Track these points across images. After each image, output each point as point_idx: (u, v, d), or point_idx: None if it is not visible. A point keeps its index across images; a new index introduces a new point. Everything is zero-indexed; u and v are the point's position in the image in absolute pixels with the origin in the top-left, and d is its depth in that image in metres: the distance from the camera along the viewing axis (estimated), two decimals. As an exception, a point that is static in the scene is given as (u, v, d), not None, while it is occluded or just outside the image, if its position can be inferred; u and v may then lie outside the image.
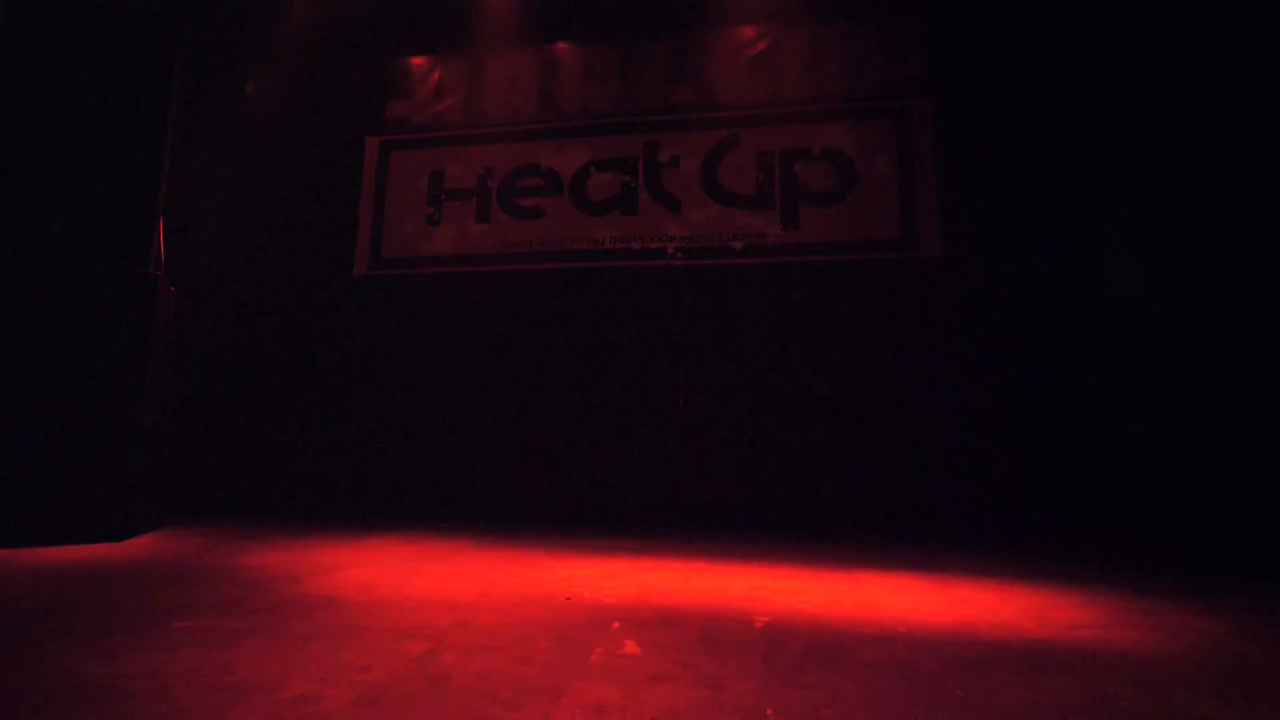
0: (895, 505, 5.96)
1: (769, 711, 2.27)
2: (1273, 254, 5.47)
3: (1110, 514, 5.57)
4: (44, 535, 5.18)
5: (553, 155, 7.26)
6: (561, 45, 7.44)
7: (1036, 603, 3.80)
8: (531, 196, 7.20)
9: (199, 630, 3.03)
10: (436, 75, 7.61)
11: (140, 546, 5.14)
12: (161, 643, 2.85)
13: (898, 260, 6.38)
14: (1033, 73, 6.28)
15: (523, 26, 7.42)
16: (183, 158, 6.91)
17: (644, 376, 6.63)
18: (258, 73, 7.54)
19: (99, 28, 5.96)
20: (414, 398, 6.97)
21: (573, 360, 6.78)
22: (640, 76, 7.25)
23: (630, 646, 2.91)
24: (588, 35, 7.38)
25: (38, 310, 5.56)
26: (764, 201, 6.75)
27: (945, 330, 6.15)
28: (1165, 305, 5.75)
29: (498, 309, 7.01)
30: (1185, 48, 5.90)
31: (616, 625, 3.23)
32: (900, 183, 6.52)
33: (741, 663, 2.73)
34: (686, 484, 6.38)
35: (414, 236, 7.34)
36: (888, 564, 4.77)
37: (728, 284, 6.67)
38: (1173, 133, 5.88)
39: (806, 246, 6.58)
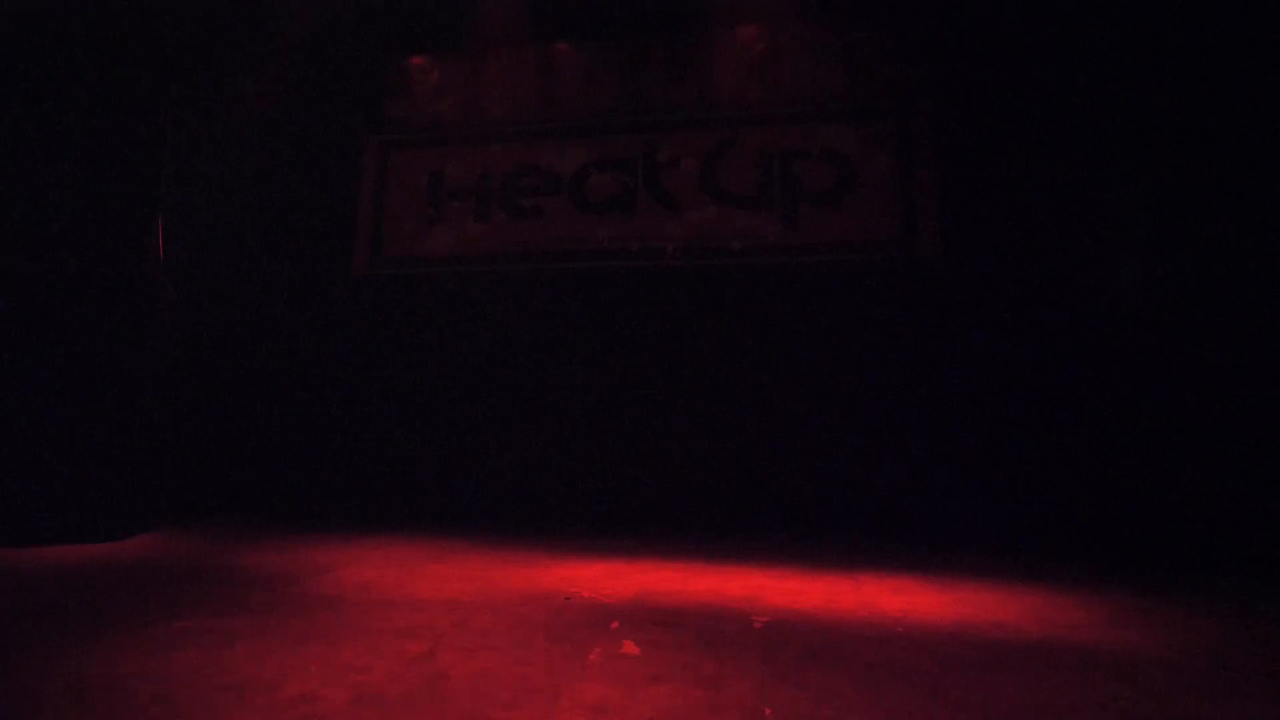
0: (895, 505, 5.96)
1: (767, 712, 2.27)
2: (1272, 254, 5.47)
3: (1110, 514, 5.57)
4: (43, 535, 5.18)
5: (552, 155, 7.26)
6: (561, 45, 7.44)
7: (1036, 603, 3.80)
8: (531, 196, 7.20)
9: (197, 630, 3.03)
10: (436, 75, 7.61)
11: (139, 546, 5.14)
12: (160, 643, 2.85)
13: (897, 260, 6.38)
14: (1032, 73, 6.27)
15: (522, 26, 7.41)
16: (182, 158, 6.90)
17: (642, 377, 6.62)
18: (257, 72, 7.53)
19: (97, 27, 5.95)
20: (413, 398, 6.96)
21: (571, 360, 6.77)
22: (640, 76, 7.24)
23: (629, 646, 2.92)
24: (588, 35, 7.37)
25: (37, 311, 5.56)
26: (763, 202, 6.74)
27: (944, 330, 6.14)
28: (1164, 305, 5.74)
29: (497, 309, 7.00)
30: (1185, 48, 5.90)
31: (616, 625, 3.23)
32: (900, 183, 6.51)
33: (740, 663, 2.74)
34: (686, 484, 6.37)
35: (413, 236, 7.33)
36: (887, 564, 4.77)
37: (727, 284, 6.66)
38: (1172, 133, 5.88)
39: (806, 247, 6.57)
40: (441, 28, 7.52)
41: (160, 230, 6.08)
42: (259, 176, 7.47)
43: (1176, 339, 5.65)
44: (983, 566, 4.76)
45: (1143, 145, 5.93)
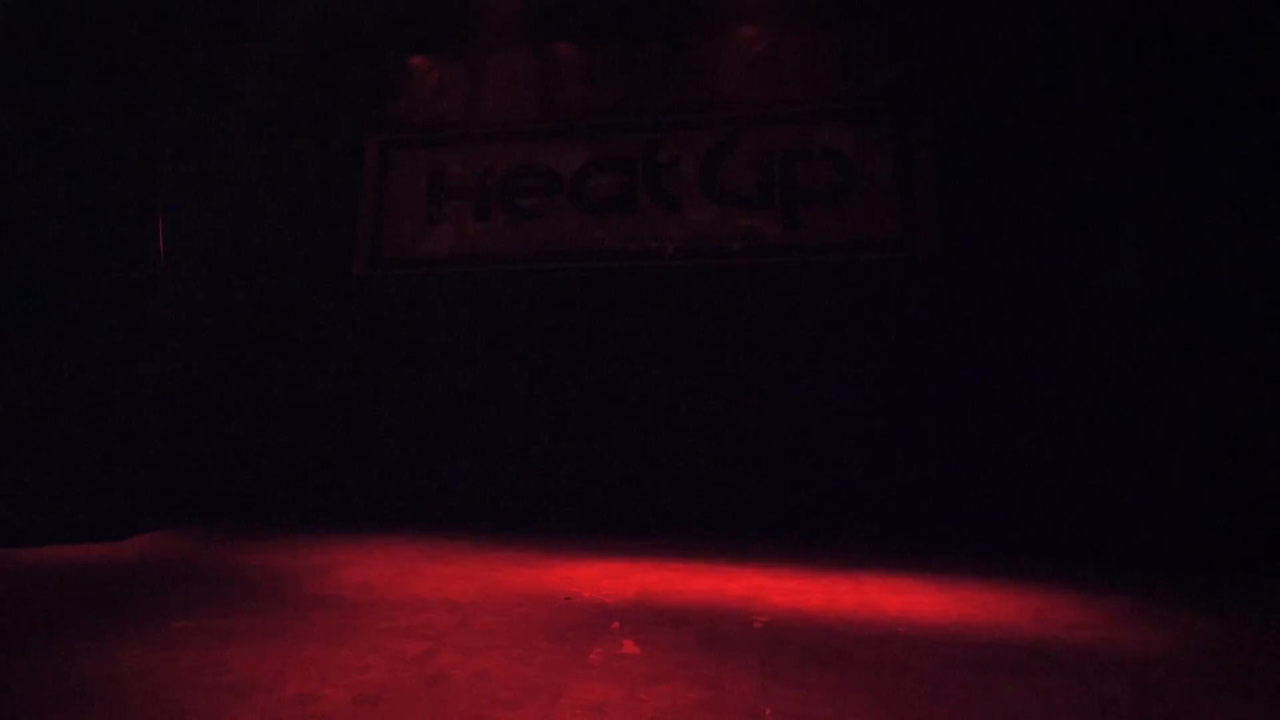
0: (895, 505, 5.95)
1: (767, 711, 2.27)
2: (1270, 254, 5.47)
3: (1110, 514, 5.57)
4: (44, 535, 5.18)
5: (552, 155, 7.25)
6: (561, 45, 7.43)
7: (1035, 603, 3.80)
8: (531, 197, 7.19)
9: (197, 630, 3.03)
10: (436, 75, 7.60)
11: (139, 546, 5.14)
12: (160, 642, 2.85)
13: (897, 261, 6.37)
14: (1031, 74, 6.26)
15: (523, 26, 7.40)
16: (182, 158, 6.90)
17: (643, 377, 6.61)
18: (257, 71, 7.53)
19: (98, 28, 5.95)
20: (413, 398, 6.96)
21: (572, 361, 6.77)
22: (640, 77, 7.23)
23: (629, 646, 2.92)
24: (588, 35, 7.36)
25: (37, 311, 5.56)
26: (764, 202, 6.74)
27: (944, 330, 6.14)
28: (1163, 305, 5.74)
29: (497, 309, 6.99)
30: (1185, 49, 5.89)
31: (616, 625, 3.23)
32: (899, 184, 6.50)
33: (740, 663, 2.73)
34: (686, 484, 6.36)
35: (414, 237, 7.33)
36: (887, 564, 4.77)
37: (727, 284, 6.65)
38: (1170, 133, 5.87)
39: (806, 247, 6.56)
40: (442, 28, 7.52)
41: (160, 230, 6.08)
42: (259, 176, 7.46)
43: (1176, 339, 5.64)
44: (982, 567, 4.76)
45: (1142, 145, 5.93)
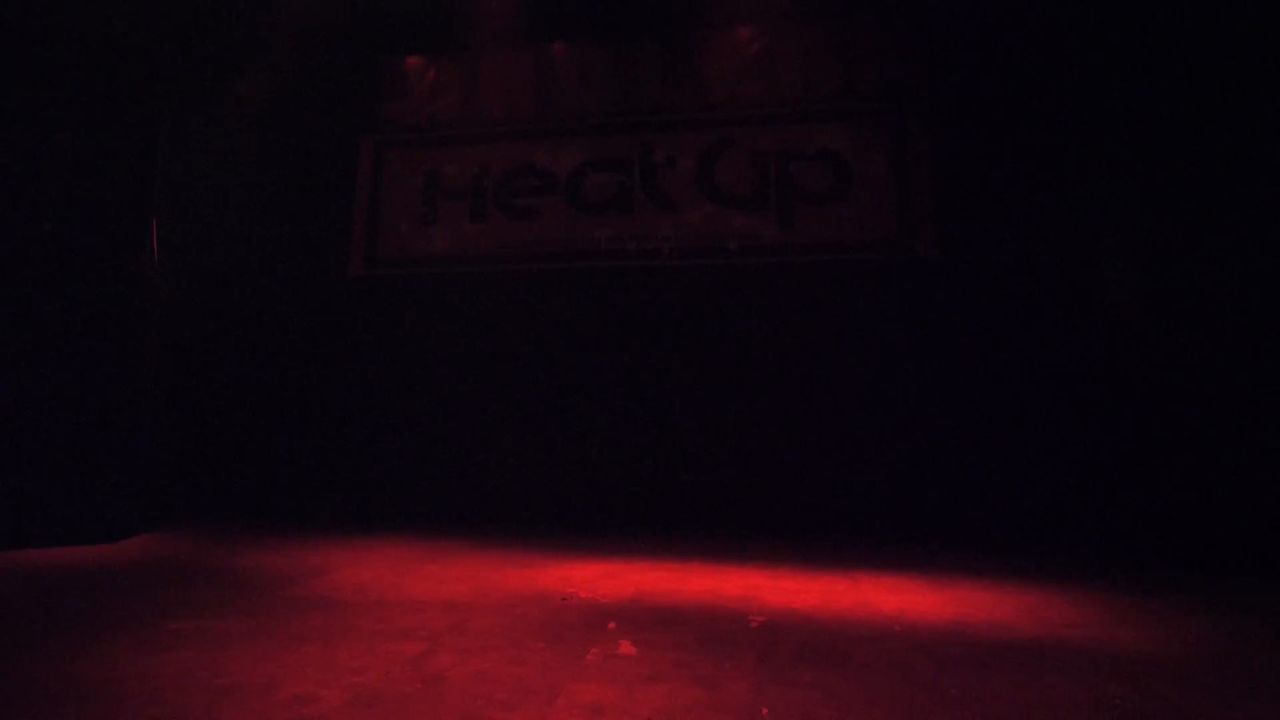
0: (891, 505, 5.97)
1: (764, 711, 2.27)
2: (1268, 253, 5.48)
3: (1108, 514, 5.58)
4: (39, 537, 5.16)
5: (548, 155, 7.25)
6: (557, 45, 7.44)
7: (1033, 602, 3.80)
8: (527, 196, 7.20)
9: (192, 631, 3.01)
10: (432, 75, 7.60)
11: (134, 548, 5.12)
12: (155, 644, 2.84)
13: (893, 260, 6.39)
14: (1026, 73, 6.29)
15: (518, 26, 7.41)
16: (176, 158, 6.88)
17: (639, 376, 6.62)
18: (252, 72, 7.50)
19: (93, 29, 5.93)
20: (409, 398, 6.95)
21: (568, 360, 6.77)
22: (636, 77, 7.25)
23: (626, 647, 2.91)
24: (584, 35, 7.38)
25: (31, 312, 5.53)
26: (759, 202, 6.75)
27: (941, 330, 6.16)
28: (1160, 304, 5.76)
29: (493, 309, 6.99)
30: (1179, 48, 5.92)
31: (612, 625, 3.22)
32: (895, 183, 6.52)
33: (737, 662, 2.73)
34: (682, 484, 6.37)
35: (409, 237, 7.32)
36: (884, 564, 4.77)
37: (723, 284, 6.67)
38: (1166, 133, 5.90)
39: (802, 247, 6.58)
40: (438, 28, 7.52)
41: (155, 232, 6.06)
42: (255, 177, 7.45)
43: (1174, 338, 5.66)
44: (979, 566, 4.76)
45: (1138, 143, 5.95)
